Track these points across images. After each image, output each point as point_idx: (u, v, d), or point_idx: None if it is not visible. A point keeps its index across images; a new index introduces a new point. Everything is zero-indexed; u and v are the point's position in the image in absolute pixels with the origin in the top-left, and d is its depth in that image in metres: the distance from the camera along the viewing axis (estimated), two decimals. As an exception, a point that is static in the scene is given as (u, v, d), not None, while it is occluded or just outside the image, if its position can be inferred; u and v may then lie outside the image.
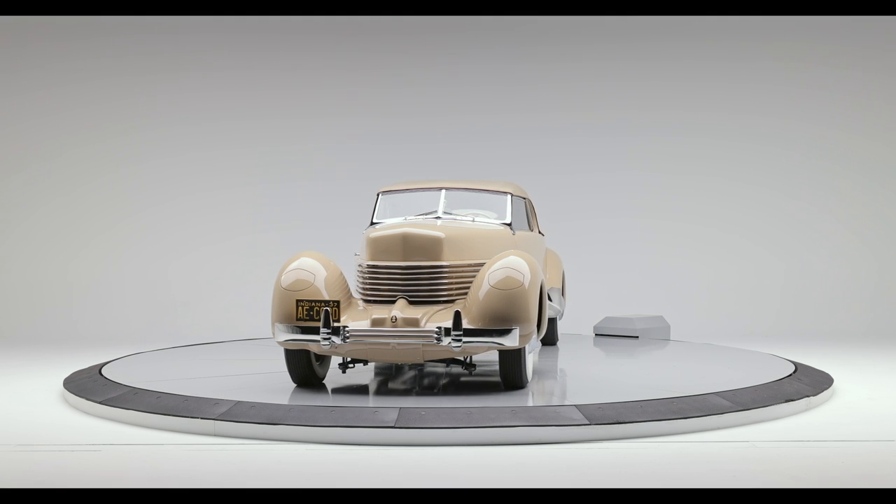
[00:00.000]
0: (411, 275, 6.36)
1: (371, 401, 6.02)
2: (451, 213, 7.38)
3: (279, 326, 6.24)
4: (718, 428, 5.78)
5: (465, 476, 4.73)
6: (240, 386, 6.56)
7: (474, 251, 6.62)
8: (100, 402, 6.24)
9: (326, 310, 6.09)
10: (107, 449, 5.33)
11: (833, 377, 7.35)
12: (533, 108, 12.34)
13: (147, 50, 12.19)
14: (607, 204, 12.19)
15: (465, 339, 5.94)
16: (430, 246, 6.39)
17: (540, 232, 8.73)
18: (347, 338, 6.03)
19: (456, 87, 12.33)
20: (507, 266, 6.23)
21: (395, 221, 7.12)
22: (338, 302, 6.19)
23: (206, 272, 11.96)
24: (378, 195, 7.77)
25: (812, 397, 6.51)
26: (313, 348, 6.20)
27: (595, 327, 10.15)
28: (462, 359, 6.36)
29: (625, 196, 12.25)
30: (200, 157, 12.20)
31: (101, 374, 7.04)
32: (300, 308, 6.24)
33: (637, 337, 9.60)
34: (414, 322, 6.06)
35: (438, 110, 12.28)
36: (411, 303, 6.30)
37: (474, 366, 6.43)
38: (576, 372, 7.63)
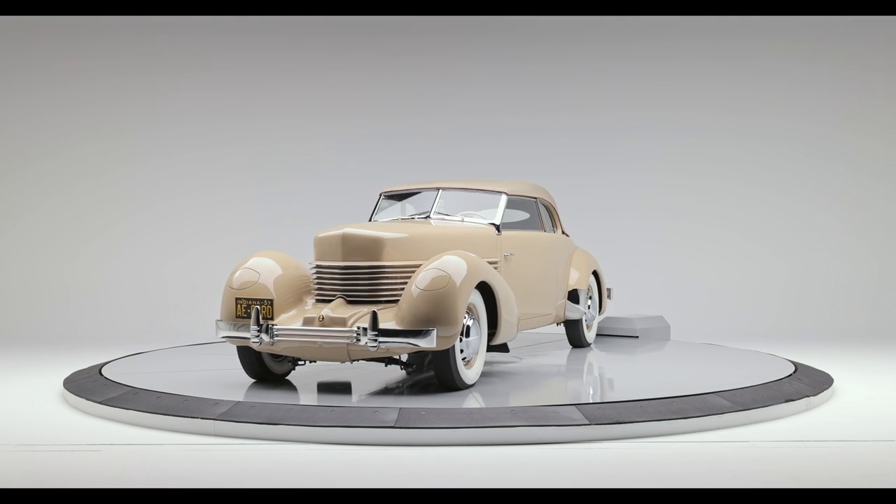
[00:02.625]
0: (350, 275, 6.40)
1: (371, 401, 6.02)
2: (442, 214, 7.44)
3: (219, 323, 6.47)
4: (718, 428, 5.78)
5: (465, 476, 4.73)
6: (240, 386, 6.56)
7: (430, 251, 6.55)
8: (100, 402, 6.24)
9: (257, 308, 6.27)
10: (107, 449, 5.33)
11: (833, 377, 7.35)
12: (533, 108, 12.34)
13: (146, 50, 12.19)
14: (607, 204, 12.19)
15: (381, 339, 5.95)
16: (369, 246, 6.40)
17: (564, 233, 8.68)
18: (275, 336, 6.14)
19: (458, 88, 12.33)
20: (437, 267, 6.20)
21: (386, 222, 7.17)
22: (271, 300, 6.35)
23: (205, 272, 11.94)
24: (380, 195, 7.90)
25: (812, 397, 6.52)
26: (249, 345, 6.35)
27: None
28: (398, 358, 6.34)
29: (625, 196, 12.25)
30: (199, 156, 12.20)
31: (101, 374, 7.04)
32: (238, 306, 6.45)
33: (637, 337, 9.59)
34: (341, 322, 6.11)
35: (440, 110, 12.28)
36: (351, 302, 6.34)
37: (412, 365, 6.42)
38: (576, 372, 7.63)
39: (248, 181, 12.19)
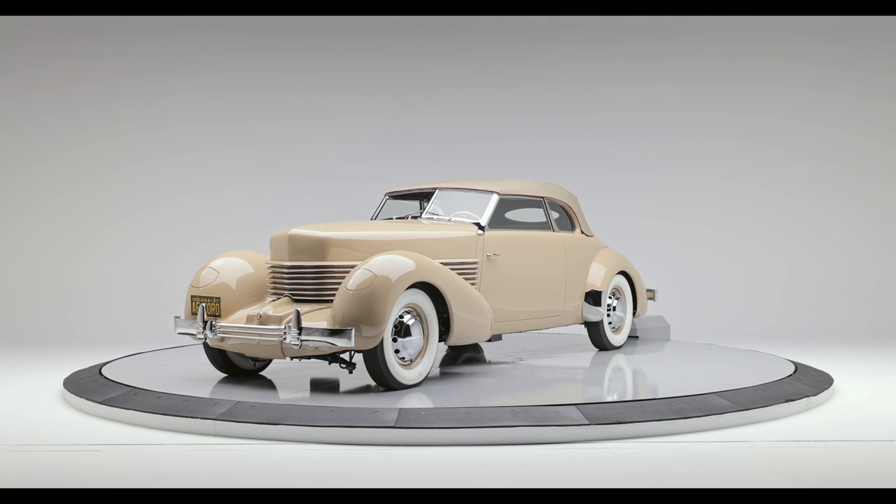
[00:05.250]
0: (296, 274, 6.51)
1: (371, 401, 6.02)
2: (434, 214, 7.54)
3: (177, 320, 6.72)
4: (718, 428, 5.78)
5: (465, 476, 4.73)
6: (240, 386, 6.57)
7: (380, 252, 6.56)
8: (100, 402, 6.24)
9: (203, 305, 6.52)
10: (107, 449, 5.33)
11: (833, 377, 7.35)
12: (534, 109, 12.35)
13: (146, 50, 12.20)
14: (608, 204, 12.20)
15: (303, 337, 6.04)
16: (314, 247, 6.49)
17: (583, 232, 8.54)
18: (217, 332, 6.39)
19: (462, 89, 12.34)
20: (366, 267, 6.22)
21: (348, 222, 7.27)
22: (218, 298, 6.57)
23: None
24: (385, 196, 7.98)
25: (812, 397, 6.52)
26: (197, 341, 6.63)
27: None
28: (339, 355, 6.39)
29: (625, 196, 12.26)
30: (200, 157, 12.21)
31: (101, 374, 7.05)
32: (193, 303, 6.70)
33: (637, 337, 9.59)
34: (276, 320, 6.24)
35: (445, 111, 12.30)
36: (298, 301, 6.47)
37: (354, 364, 6.44)
38: (576, 372, 7.62)
39: (249, 182, 12.20)
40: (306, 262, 6.49)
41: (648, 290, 9.23)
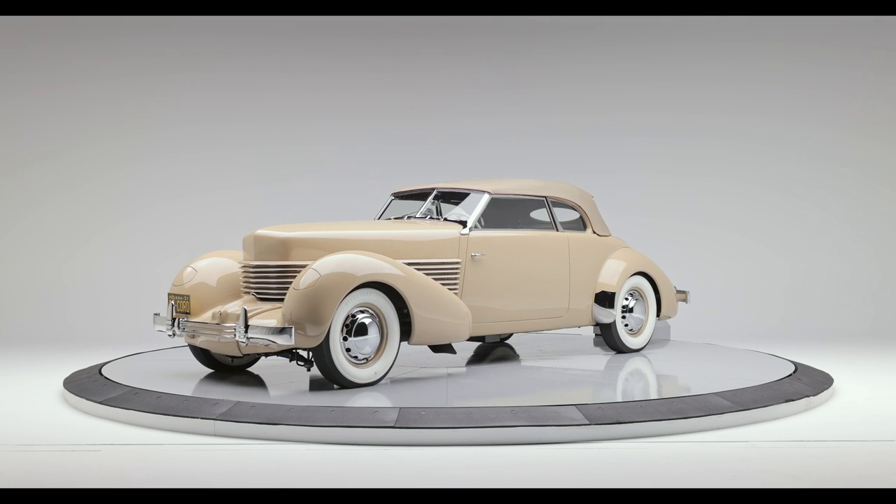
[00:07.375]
0: (261, 274, 6.64)
1: (371, 401, 6.02)
2: (430, 214, 7.61)
3: (155, 317, 7.00)
4: (718, 428, 5.78)
5: (465, 476, 4.73)
6: (240, 386, 6.57)
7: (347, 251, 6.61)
8: (100, 402, 6.25)
9: (172, 303, 6.74)
10: (107, 449, 5.33)
11: (833, 377, 7.35)
12: (534, 110, 12.35)
13: (146, 51, 12.20)
14: (608, 204, 12.17)
15: (248, 335, 6.16)
16: (277, 246, 6.61)
17: (594, 232, 8.42)
18: (183, 330, 6.62)
19: (460, 89, 12.34)
20: (314, 267, 6.28)
21: (317, 223, 7.32)
22: (188, 296, 6.80)
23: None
24: (391, 196, 8.12)
25: (812, 397, 6.51)
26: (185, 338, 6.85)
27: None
28: (297, 352, 6.45)
29: (625, 197, 12.25)
30: (200, 157, 12.21)
31: (101, 374, 7.05)
32: (169, 301, 6.88)
33: (637, 337, 9.57)
34: (233, 318, 6.44)
35: (442, 112, 12.30)
36: (262, 299, 6.60)
37: (311, 362, 6.47)
38: (576, 372, 7.62)
39: (249, 182, 12.20)
40: (270, 261, 6.59)
41: (679, 292, 9.00)
